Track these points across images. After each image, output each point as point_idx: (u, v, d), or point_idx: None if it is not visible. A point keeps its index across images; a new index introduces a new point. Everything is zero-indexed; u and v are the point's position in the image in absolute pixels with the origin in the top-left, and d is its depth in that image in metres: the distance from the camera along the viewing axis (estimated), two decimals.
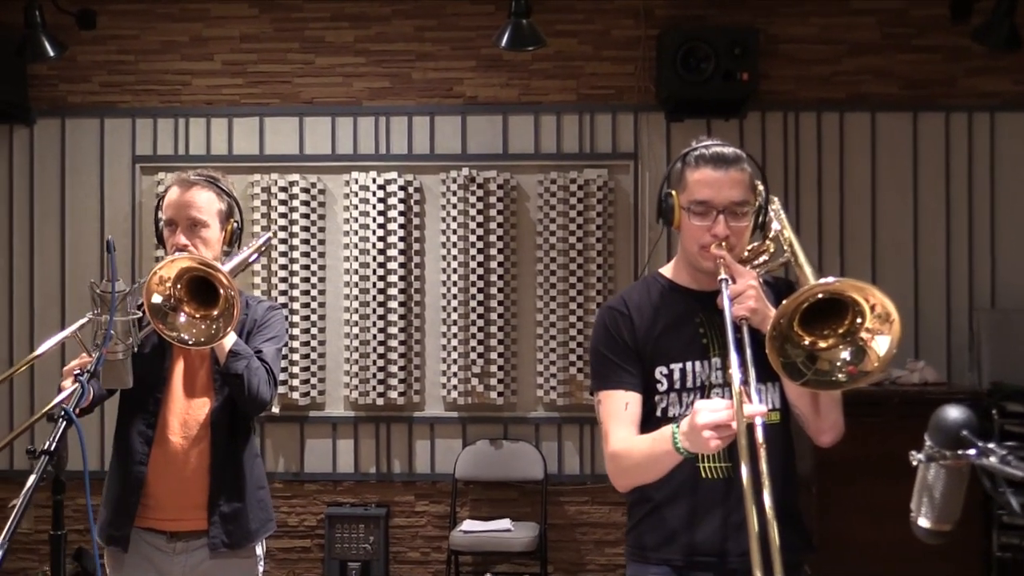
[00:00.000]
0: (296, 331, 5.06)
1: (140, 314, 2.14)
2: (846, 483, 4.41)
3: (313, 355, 5.13)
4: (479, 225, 5.04)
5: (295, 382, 5.05)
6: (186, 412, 2.57)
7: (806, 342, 1.80)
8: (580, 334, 5.03)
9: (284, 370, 5.05)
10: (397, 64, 5.21)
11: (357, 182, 5.08)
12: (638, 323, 2.12)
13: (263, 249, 2.81)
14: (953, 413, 1.47)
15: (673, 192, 2.12)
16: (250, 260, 2.72)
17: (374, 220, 5.05)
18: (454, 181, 5.07)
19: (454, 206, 5.07)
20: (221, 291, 2.22)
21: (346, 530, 5.09)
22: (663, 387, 2.10)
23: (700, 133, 5.05)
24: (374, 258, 5.05)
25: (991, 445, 1.43)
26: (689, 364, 2.09)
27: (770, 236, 2.17)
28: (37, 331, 5.19)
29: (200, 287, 2.26)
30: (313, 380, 5.13)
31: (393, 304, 5.07)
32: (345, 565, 5.05)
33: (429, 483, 5.19)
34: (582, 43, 5.18)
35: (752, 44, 4.73)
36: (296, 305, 5.06)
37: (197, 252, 2.51)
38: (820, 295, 1.77)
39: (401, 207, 5.07)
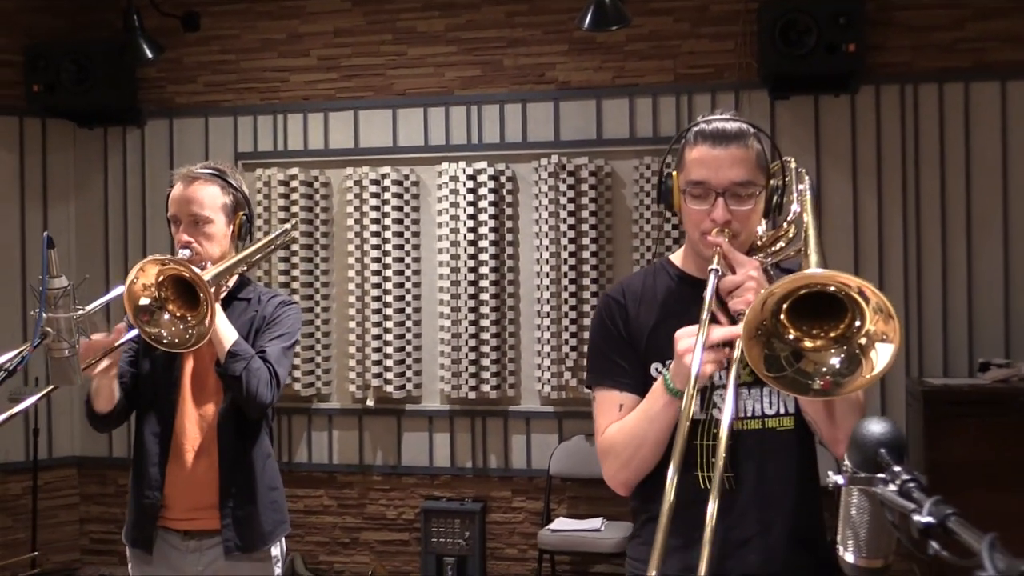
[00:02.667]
0: (390, 324, 5.00)
1: (82, 310, 2.06)
2: (962, 491, 3.96)
3: (408, 348, 5.06)
4: (571, 214, 4.83)
5: (389, 375, 4.99)
6: (197, 413, 2.52)
7: (791, 336, 1.58)
8: None
9: (378, 363, 5.00)
10: (488, 51, 5.06)
11: (448, 173, 4.97)
12: (633, 313, 1.92)
13: (279, 243, 2.71)
14: (872, 428, 1.24)
15: (674, 172, 1.88)
16: (258, 255, 2.62)
17: (464, 211, 4.92)
18: (545, 169, 4.88)
19: (545, 195, 4.87)
20: (201, 295, 2.13)
21: (442, 525, 5.00)
22: None
23: (806, 111, 4.73)
24: (465, 249, 4.92)
25: (898, 469, 1.17)
26: None
27: (789, 219, 1.92)
28: None
29: (187, 287, 2.18)
30: (408, 373, 5.06)
31: (485, 296, 4.93)
32: (441, 560, 4.96)
33: (525, 479, 5.04)
34: (678, 20, 4.88)
35: (857, 13, 4.31)
36: (389, 298, 5.00)
37: (202, 248, 2.45)
38: (804, 289, 1.53)
39: (492, 197, 4.92)
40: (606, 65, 4.95)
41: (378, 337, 5.00)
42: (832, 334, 1.56)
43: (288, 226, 2.81)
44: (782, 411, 1.85)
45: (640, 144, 4.89)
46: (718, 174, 1.79)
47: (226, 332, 2.39)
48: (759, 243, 1.89)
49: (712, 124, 1.84)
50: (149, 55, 4.82)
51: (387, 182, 5.00)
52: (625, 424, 1.86)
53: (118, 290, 2.18)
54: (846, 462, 1.26)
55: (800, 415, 1.85)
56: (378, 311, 5.00)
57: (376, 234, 5.01)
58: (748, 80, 4.76)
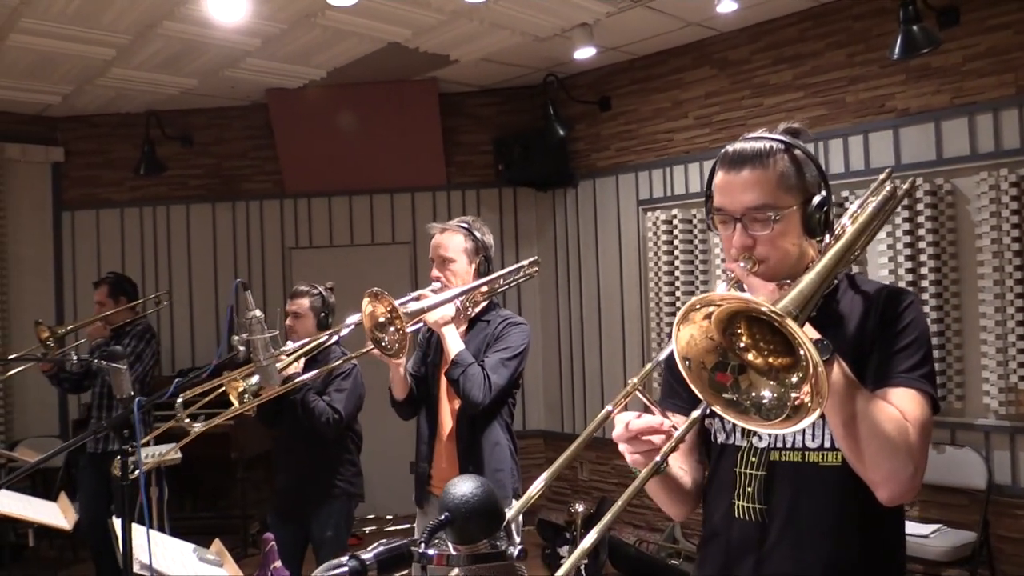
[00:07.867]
0: None
1: (275, 332, 2.66)
2: None
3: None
4: (906, 232, 4.79)
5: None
6: (450, 407, 3.04)
7: (742, 344, 1.38)
8: None
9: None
10: (832, 92, 5.22)
11: None
12: None
13: (514, 279, 3.16)
14: (453, 488, 1.01)
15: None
16: (489, 286, 3.04)
17: None
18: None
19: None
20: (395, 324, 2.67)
21: None
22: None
23: None
24: None
25: (426, 545, 0.95)
26: None
27: (836, 235, 1.71)
28: (583, 341, 6.43)
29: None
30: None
31: None
32: None
33: None
34: (1018, 32, 4.55)
35: None
36: None
37: (447, 281, 2.99)
38: (730, 312, 1.33)
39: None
40: (944, 88, 4.81)
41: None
42: (773, 361, 1.33)
43: (526, 263, 3.20)
44: (826, 445, 1.62)
45: (981, 160, 4.66)
46: (732, 200, 1.62)
47: (453, 345, 2.89)
48: (811, 264, 1.64)
49: (735, 146, 1.67)
50: (561, 133, 5.95)
51: None
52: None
53: (355, 317, 2.88)
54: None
55: None
56: None
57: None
58: None
